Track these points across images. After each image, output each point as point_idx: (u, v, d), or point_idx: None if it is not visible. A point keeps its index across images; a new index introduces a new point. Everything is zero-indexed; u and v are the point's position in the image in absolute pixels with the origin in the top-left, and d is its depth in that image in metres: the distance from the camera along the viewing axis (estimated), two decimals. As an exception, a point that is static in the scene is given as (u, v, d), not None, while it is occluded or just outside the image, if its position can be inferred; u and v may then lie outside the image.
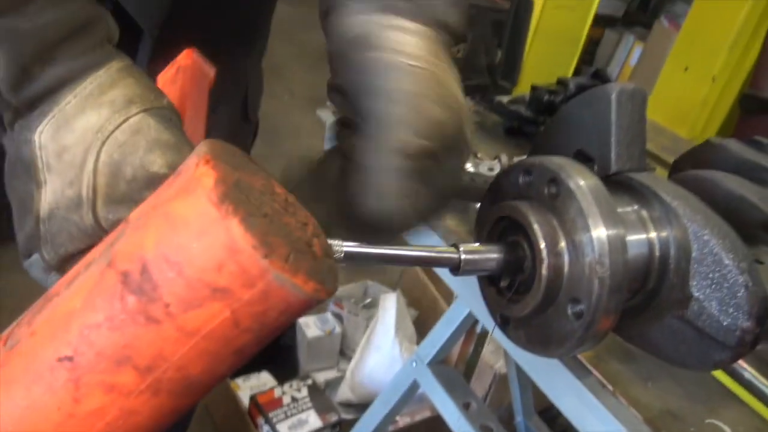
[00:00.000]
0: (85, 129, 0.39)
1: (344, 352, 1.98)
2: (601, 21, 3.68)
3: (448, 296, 1.98)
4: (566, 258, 0.43)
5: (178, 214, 0.30)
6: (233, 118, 0.88)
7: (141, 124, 0.40)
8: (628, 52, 3.72)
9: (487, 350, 1.72)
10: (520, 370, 1.30)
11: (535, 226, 0.44)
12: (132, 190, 0.39)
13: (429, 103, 0.43)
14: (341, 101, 0.46)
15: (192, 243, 0.29)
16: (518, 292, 0.47)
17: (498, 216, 0.48)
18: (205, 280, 0.29)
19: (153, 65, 0.74)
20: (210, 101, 0.77)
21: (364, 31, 0.46)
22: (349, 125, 0.45)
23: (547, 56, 2.88)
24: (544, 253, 0.43)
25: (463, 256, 0.43)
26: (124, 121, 0.40)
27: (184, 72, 0.56)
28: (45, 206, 0.39)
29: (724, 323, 0.43)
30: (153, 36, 0.70)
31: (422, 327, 1.92)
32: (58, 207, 0.39)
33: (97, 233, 0.39)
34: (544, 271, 0.43)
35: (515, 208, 0.46)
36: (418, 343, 1.83)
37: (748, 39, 2.13)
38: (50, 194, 0.39)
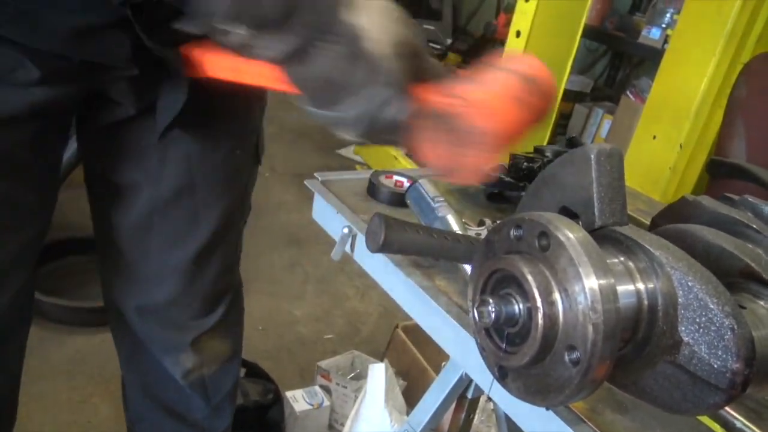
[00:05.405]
0: None
1: (333, 425, 1.93)
2: (571, 96, 3.86)
3: (437, 366, 1.96)
4: (560, 307, 0.45)
5: None
6: (247, 159, 1.00)
7: None
8: (598, 125, 3.88)
9: (478, 419, 1.68)
10: (513, 437, 1.27)
11: (529, 277, 0.46)
12: None
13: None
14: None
15: None
16: (515, 344, 0.48)
17: (492, 269, 0.50)
18: None
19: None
20: (230, 145, 0.93)
21: None
22: None
23: (521, 129, 2.99)
24: (539, 303, 0.45)
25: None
26: None
27: None
28: None
29: (715, 366, 0.44)
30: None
31: (411, 398, 1.88)
32: None
33: None
34: (539, 320, 0.45)
35: (508, 261, 0.48)
36: (407, 414, 1.79)
37: (710, 108, 2.24)
38: None
